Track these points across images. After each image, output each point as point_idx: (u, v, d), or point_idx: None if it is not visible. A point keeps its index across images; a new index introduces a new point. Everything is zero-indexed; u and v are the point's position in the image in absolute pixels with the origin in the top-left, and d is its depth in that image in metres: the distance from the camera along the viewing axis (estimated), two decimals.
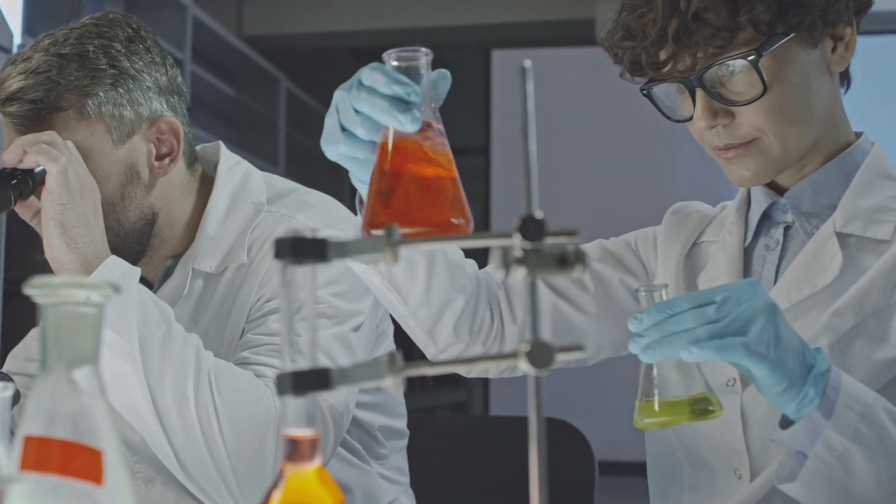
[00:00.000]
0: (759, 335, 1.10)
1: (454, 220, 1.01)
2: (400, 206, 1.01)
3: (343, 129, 1.13)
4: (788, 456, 1.19)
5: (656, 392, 1.19)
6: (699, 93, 1.33)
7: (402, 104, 1.04)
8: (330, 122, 1.14)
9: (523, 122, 0.62)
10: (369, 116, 1.07)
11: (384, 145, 1.05)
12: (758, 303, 1.12)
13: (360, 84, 1.07)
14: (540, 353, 0.61)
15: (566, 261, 0.61)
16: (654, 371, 1.20)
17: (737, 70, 1.31)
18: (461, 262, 1.41)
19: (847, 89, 1.45)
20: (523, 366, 0.61)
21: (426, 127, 1.05)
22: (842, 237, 1.36)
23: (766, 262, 1.43)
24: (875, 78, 4.94)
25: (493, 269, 0.62)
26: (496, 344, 1.47)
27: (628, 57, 1.37)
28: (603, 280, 1.53)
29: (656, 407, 1.19)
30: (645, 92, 1.40)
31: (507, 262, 0.62)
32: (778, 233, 1.43)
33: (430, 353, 1.45)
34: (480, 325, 1.44)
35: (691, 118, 1.37)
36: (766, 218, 1.45)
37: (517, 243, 0.62)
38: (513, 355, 0.61)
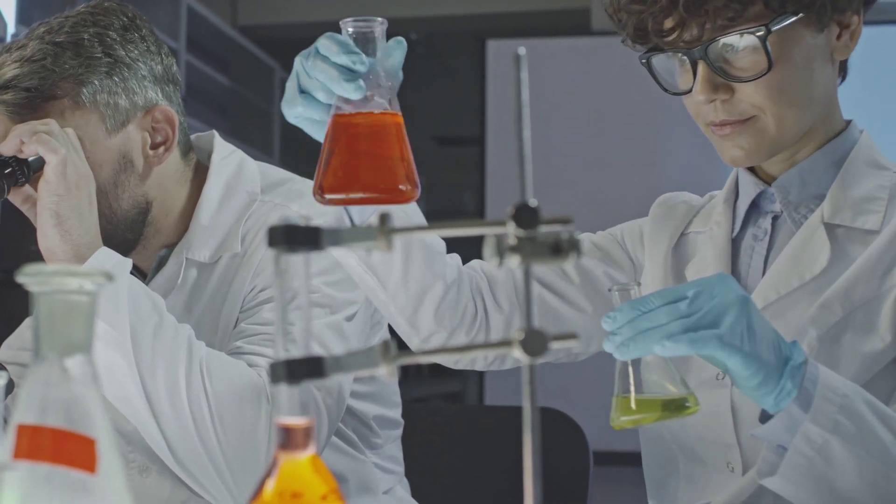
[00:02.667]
0: (731, 327, 1.10)
1: (401, 187, 1.05)
2: (346, 172, 1.06)
3: (301, 91, 1.18)
4: (769, 450, 1.18)
5: (632, 389, 1.19)
6: (701, 65, 1.32)
7: (349, 73, 1.10)
8: (290, 85, 1.19)
9: (517, 110, 0.62)
10: (322, 82, 1.12)
11: (335, 113, 1.11)
12: (729, 295, 1.12)
13: (316, 51, 1.13)
14: (534, 341, 0.61)
15: (560, 248, 0.61)
16: (630, 368, 1.19)
17: (743, 45, 1.30)
18: (440, 248, 1.40)
19: (843, 80, 1.44)
20: (517, 353, 0.61)
21: (376, 94, 1.08)
22: (830, 228, 1.35)
23: (754, 252, 1.42)
24: (874, 68, 4.95)
25: (488, 257, 0.62)
26: (481, 333, 1.46)
27: (633, 22, 1.35)
28: (588, 273, 1.52)
29: (633, 405, 1.19)
30: (644, 61, 1.38)
31: (501, 250, 0.62)
32: (766, 223, 1.42)
33: (413, 343, 1.44)
34: (463, 313, 1.44)
35: (689, 91, 1.36)
36: (755, 208, 1.44)
37: (511, 231, 0.62)
38: (507, 343, 0.61)
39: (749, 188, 1.44)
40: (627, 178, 4.87)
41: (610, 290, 1.24)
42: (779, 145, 1.37)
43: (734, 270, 1.42)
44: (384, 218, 0.66)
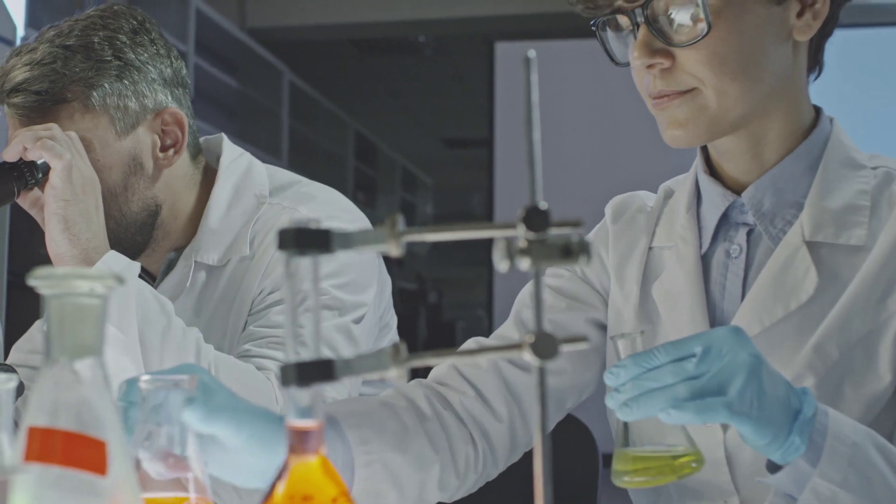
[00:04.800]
0: (741, 393, 1.03)
1: None
2: None
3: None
4: (778, 496, 1.14)
5: (633, 444, 1.13)
6: (641, 28, 1.23)
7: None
8: None
9: (527, 113, 0.62)
10: None
11: None
12: (741, 356, 1.04)
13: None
14: (544, 344, 0.60)
15: (570, 251, 0.61)
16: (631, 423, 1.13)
17: (683, 5, 1.21)
18: (417, 433, 1.29)
19: (818, 75, 1.34)
20: (527, 357, 0.61)
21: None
22: (812, 247, 1.26)
23: (728, 272, 1.31)
24: (872, 70, 4.94)
25: (497, 260, 0.62)
26: (486, 464, 1.36)
27: None
28: (569, 331, 1.41)
29: (632, 462, 1.13)
30: (594, 28, 1.30)
31: (511, 253, 0.62)
32: (740, 237, 1.31)
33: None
34: (466, 464, 1.33)
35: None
36: (724, 219, 1.32)
37: (521, 234, 0.62)
38: (517, 346, 0.61)
39: (716, 199, 1.33)
40: (636, 180, 4.85)
41: (612, 338, 1.16)
42: (720, 123, 1.25)
43: (707, 292, 1.31)
44: (393, 221, 0.66)
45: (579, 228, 0.63)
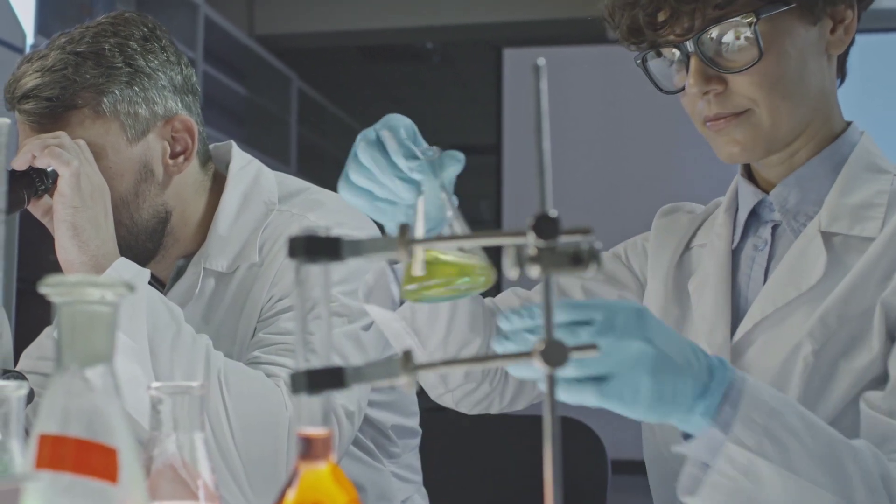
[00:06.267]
0: (621, 380, 1.01)
1: None
2: None
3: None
4: (692, 465, 1.10)
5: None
6: (693, 58, 1.31)
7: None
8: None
9: (537, 121, 0.62)
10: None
11: None
12: (633, 343, 1.01)
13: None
14: (554, 352, 0.61)
15: (580, 259, 0.61)
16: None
17: (733, 35, 1.29)
18: (483, 308, 1.38)
19: (842, 82, 1.42)
20: (537, 364, 0.61)
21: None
22: (827, 236, 1.33)
23: (754, 263, 1.40)
24: (878, 76, 4.93)
25: (507, 268, 0.62)
26: (502, 383, 1.43)
27: (626, 20, 1.35)
28: (597, 297, 1.49)
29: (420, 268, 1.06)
30: (639, 62, 1.38)
31: (521, 261, 0.62)
32: (766, 232, 1.40)
33: (435, 393, 1.42)
34: (484, 373, 1.40)
35: (684, 88, 1.35)
36: (754, 217, 1.42)
37: (531, 242, 0.62)
38: (527, 354, 0.61)
39: (748, 197, 1.42)
40: (645, 188, 4.87)
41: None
42: (774, 140, 1.35)
43: (734, 282, 1.40)
44: (404, 229, 0.66)
45: (589, 236, 0.63)
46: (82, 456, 0.65)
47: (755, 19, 1.28)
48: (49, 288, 0.67)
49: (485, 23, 6.61)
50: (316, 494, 0.67)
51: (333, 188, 1.73)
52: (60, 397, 0.67)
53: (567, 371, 1.00)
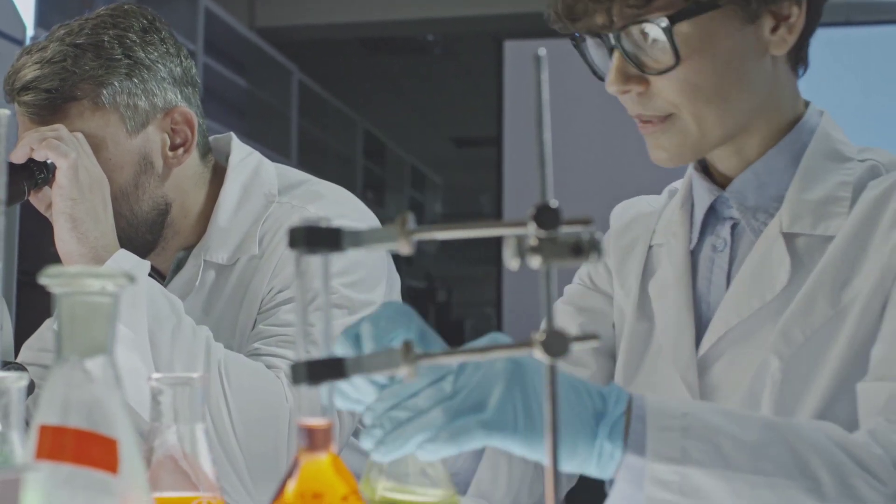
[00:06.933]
0: (500, 405, 0.89)
1: None
2: None
3: None
4: None
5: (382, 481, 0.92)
6: (615, 53, 1.21)
7: None
8: None
9: (538, 111, 0.62)
10: None
11: None
12: (497, 364, 0.90)
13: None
14: (555, 342, 0.60)
15: (581, 249, 0.61)
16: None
17: (653, 35, 1.18)
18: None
19: (805, 70, 1.30)
20: (538, 354, 0.61)
21: None
22: (789, 238, 1.23)
23: (714, 265, 1.30)
24: (875, 68, 4.92)
25: (508, 258, 0.62)
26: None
27: (553, 7, 1.24)
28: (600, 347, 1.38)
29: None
30: (574, 43, 1.28)
31: (522, 251, 0.62)
32: (725, 231, 1.30)
33: None
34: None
35: None
36: (712, 213, 1.31)
37: (532, 232, 0.62)
38: (528, 344, 0.61)
39: (703, 194, 1.32)
40: (647, 179, 4.85)
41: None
42: (704, 146, 1.25)
43: (695, 286, 1.30)
44: (404, 219, 0.66)
45: (590, 226, 0.63)
46: (82, 447, 0.65)
47: (669, 23, 1.16)
48: (49, 279, 0.67)
49: (486, 15, 6.60)
50: (316, 485, 0.67)
51: (334, 180, 1.73)
52: (60, 388, 0.67)
53: (436, 417, 0.89)
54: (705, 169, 1.34)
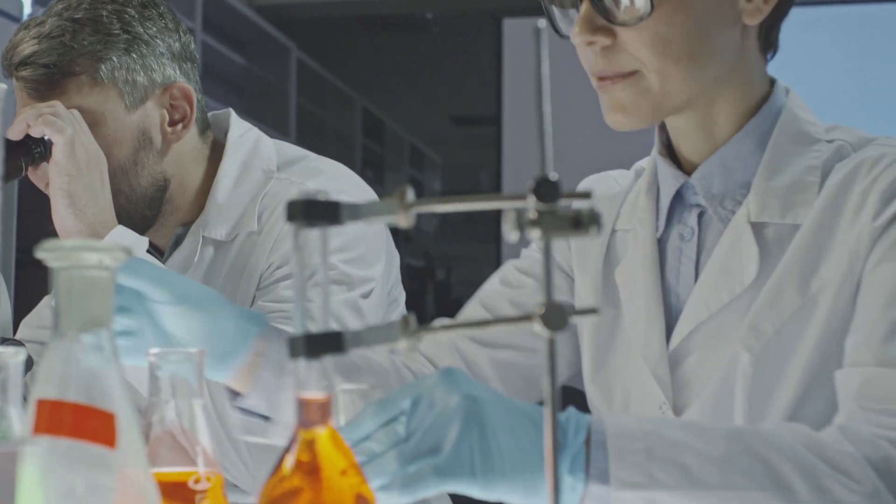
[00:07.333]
0: (456, 448, 0.87)
1: None
2: None
3: None
4: None
5: None
6: (584, 3, 1.17)
7: None
8: None
9: (537, 84, 0.62)
10: None
11: None
12: (451, 401, 0.88)
13: None
14: (554, 315, 0.60)
15: (581, 222, 0.61)
16: None
17: None
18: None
19: (773, 55, 1.28)
20: (537, 328, 0.60)
21: None
22: (757, 228, 1.20)
23: (682, 255, 1.26)
24: (875, 47, 4.91)
25: (507, 231, 0.62)
26: None
27: None
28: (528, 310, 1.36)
29: None
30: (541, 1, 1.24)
31: (522, 224, 0.61)
32: (692, 219, 1.26)
33: None
34: None
35: None
36: (678, 199, 1.28)
37: (531, 205, 0.62)
38: (527, 317, 0.61)
39: (669, 180, 1.28)
40: (643, 154, 4.85)
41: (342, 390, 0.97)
42: (664, 107, 1.21)
43: (663, 275, 1.27)
44: (403, 192, 0.65)
45: (589, 200, 0.63)
46: (80, 421, 0.65)
47: None
48: (46, 253, 0.67)
49: None
50: (315, 459, 0.67)
51: (332, 157, 1.73)
52: (58, 362, 0.67)
53: (389, 463, 0.87)
54: (671, 154, 1.30)
